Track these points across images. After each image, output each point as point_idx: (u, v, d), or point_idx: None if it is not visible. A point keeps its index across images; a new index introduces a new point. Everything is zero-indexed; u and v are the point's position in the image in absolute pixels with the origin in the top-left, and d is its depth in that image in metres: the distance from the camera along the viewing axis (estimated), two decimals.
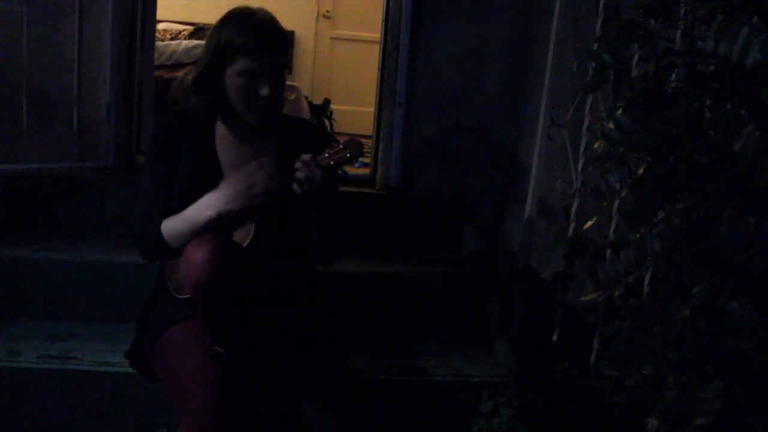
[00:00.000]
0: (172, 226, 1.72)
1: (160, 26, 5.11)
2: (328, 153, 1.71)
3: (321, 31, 6.18)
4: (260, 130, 1.82)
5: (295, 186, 1.66)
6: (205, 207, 1.68)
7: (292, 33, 6.02)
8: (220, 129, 1.83)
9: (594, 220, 1.59)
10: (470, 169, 2.91)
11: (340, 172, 1.78)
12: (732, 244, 1.28)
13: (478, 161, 2.92)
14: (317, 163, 1.66)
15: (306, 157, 1.66)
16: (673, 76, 1.53)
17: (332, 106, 5.46)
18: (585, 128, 2.27)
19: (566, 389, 2.09)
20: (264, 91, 1.73)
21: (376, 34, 3.05)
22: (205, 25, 5.39)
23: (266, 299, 1.78)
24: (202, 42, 2.15)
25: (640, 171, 1.40)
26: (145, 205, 1.79)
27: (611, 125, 1.38)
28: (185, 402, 1.61)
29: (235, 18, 1.74)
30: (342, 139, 1.76)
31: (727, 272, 1.31)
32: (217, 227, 1.68)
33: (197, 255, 1.57)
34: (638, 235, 1.38)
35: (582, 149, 2.27)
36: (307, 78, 6.11)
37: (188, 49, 5.02)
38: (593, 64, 1.42)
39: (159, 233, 1.72)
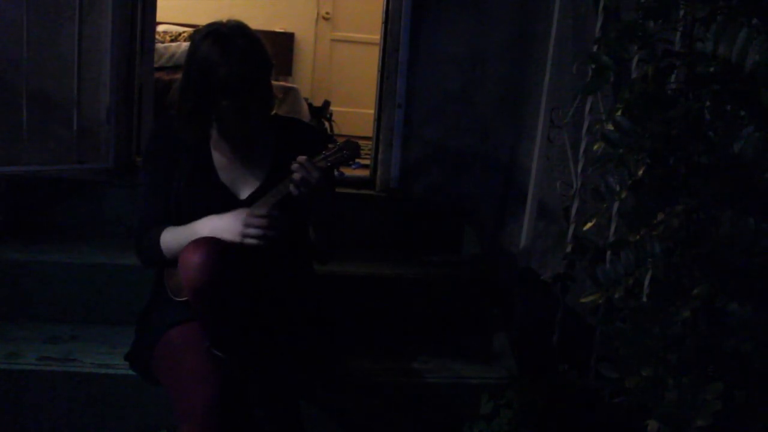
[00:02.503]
0: (171, 238, 1.72)
1: (160, 28, 5.11)
2: (324, 154, 1.70)
3: (321, 33, 6.18)
4: (254, 134, 1.83)
5: (291, 187, 1.66)
6: (203, 226, 1.68)
7: (291, 35, 6.02)
8: (215, 133, 1.83)
9: (594, 221, 1.59)
10: (470, 171, 2.91)
11: (336, 173, 1.78)
12: (732, 246, 1.28)
13: (478, 163, 2.91)
14: (314, 165, 1.66)
15: (302, 158, 1.66)
16: (673, 77, 1.53)
17: (332, 108, 5.47)
18: (585, 130, 2.27)
19: (566, 391, 2.09)
20: (254, 119, 1.74)
21: (376, 36, 3.05)
22: None
23: (264, 301, 1.78)
24: None
25: (640, 172, 1.41)
26: (143, 212, 1.80)
27: (611, 127, 1.38)
28: (184, 404, 1.61)
29: (217, 42, 1.66)
30: (341, 141, 1.76)
31: (726, 274, 1.31)
32: None
33: (194, 258, 1.58)
34: (638, 237, 1.38)
35: (582, 151, 2.27)
36: (306, 80, 6.11)
37: None
38: (593, 66, 1.42)
39: (157, 243, 1.73)
